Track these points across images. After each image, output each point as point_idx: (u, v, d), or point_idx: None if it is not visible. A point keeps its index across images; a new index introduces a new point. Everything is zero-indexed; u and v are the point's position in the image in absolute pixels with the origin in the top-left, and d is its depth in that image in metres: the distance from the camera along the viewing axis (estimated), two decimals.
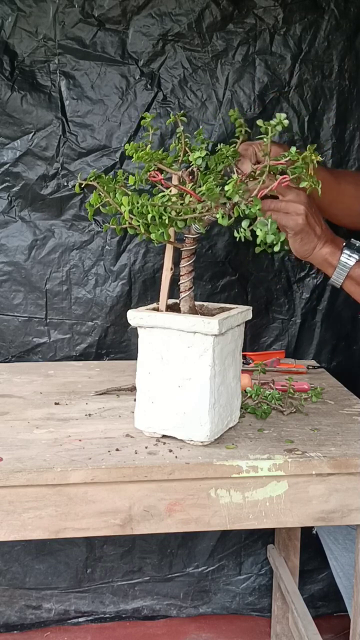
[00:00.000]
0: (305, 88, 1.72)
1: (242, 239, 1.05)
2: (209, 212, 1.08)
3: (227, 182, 1.06)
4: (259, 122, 1.10)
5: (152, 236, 1.10)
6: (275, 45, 1.70)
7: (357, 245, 1.26)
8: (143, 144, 1.16)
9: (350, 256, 1.24)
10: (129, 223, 1.11)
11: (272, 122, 1.08)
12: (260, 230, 1.02)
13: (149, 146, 1.15)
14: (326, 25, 1.70)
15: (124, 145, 1.17)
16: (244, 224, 1.04)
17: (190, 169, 1.15)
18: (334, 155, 1.75)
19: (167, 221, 1.07)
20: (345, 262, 1.24)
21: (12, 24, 1.62)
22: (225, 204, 1.06)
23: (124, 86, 1.68)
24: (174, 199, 1.09)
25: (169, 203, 1.08)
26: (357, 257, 1.24)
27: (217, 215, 1.06)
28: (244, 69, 1.69)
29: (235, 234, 1.05)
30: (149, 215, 1.07)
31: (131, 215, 1.08)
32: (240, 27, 1.68)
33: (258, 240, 1.03)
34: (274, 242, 1.02)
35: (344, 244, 1.29)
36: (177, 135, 1.19)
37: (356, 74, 1.74)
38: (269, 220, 1.02)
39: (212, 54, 1.68)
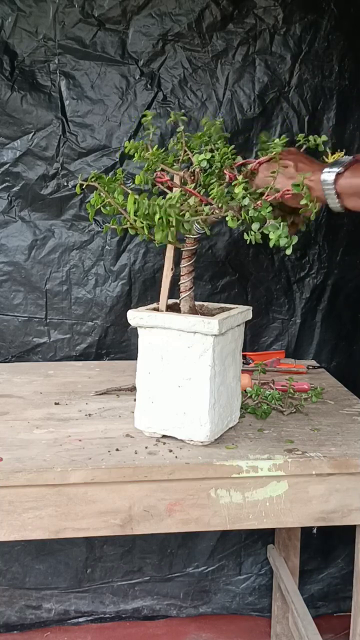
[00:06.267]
0: (305, 88, 1.72)
1: (253, 242, 1.03)
2: (216, 215, 1.08)
3: (232, 185, 1.06)
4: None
5: (156, 237, 1.09)
6: (275, 45, 1.70)
7: (342, 160, 1.10)
8: (143, 143, 1.16)
9: (329, 171, 1.08)
10: (130, 223, 1.11)
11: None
12: (273, 233, 1.01)
13: (156, 147, 1.15)
14: (326, 25, 1.70)
15: (129, 142, 1.16)
16: (254, 227, 1.03)
17: (191, 169, 1.15)
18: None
19: (174, 223, 1.07)
20: (325, 179, 1.07)
21: (12, 24, 1.62)
22: (235, 207, 1.05)
23: (124, 86, 1.68)
24: (181, 200, 1.08)
25: (177, 205, 1.07)
26: (336, 169, 1.08)
27: (227, 218, 1.05)
28: (244, 69, 1.69)
29: (246, 237, 1.04)
30: (156, 217, 1.06)
31: (135, 217, 1.07)
32: (240, 27, 1.68)
33: (271, 244, 1.01)
34: (287, 245, 1.01)
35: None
36: (177, 135, 1.19)
37: (356, 74, 1.73)
38: (281, 223, 1.02)
39: (212, 54, 1.68)
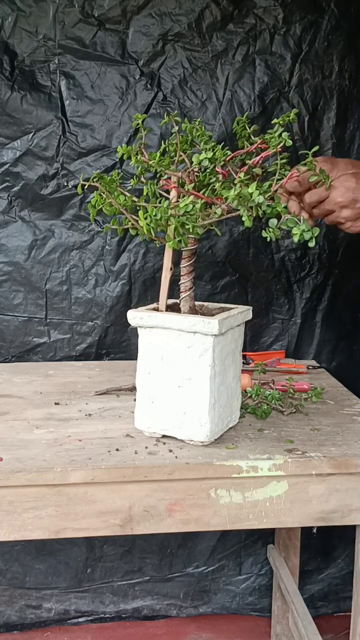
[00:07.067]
0: (305, 88, 1.72)
1: (273, 239, 1.02)
2: (231, 215, 1.07)
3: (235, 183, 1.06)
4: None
5: (169, 245, 1.09)
6: (275, 45, 1.70)
7: None
8: (136, 147, 1.16)
9: None
10: (132, 224, 1.10)
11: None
12: (297, 228, 1.00)
13: (157, 154, 1.15)
14: (326, 25, 1.70)
15: (122, 147, 1.16)
16: (272, 223, 1.02)
17: (190, 169, 1.15)
18: (334, 155, 1.75)
19: (191, 229, 1.07)
20: None
21: (12, 24, 1.62)
22: (253, 206, 1.04)
23: (124, 86, 1.68)
24: (197, 206, 1.07)
25: (193, 212, 1.06)
26: None
27: (243, 218, 1.04)
28: (244, 69, 1.69)
29: (264, 234, 1.03)
30: (172, 227, 1.06)
31: (148, 228, 1.07)
32: (240, 27, 1.68)
33: (295, 239, 1.01)
34: (310, 238, 1.00)
35: None
36: (171, 137, 1.18)
37: (356, 74, 1.74)
38: (301, 218, 1.01)
39: (212, 54, 1.68)
